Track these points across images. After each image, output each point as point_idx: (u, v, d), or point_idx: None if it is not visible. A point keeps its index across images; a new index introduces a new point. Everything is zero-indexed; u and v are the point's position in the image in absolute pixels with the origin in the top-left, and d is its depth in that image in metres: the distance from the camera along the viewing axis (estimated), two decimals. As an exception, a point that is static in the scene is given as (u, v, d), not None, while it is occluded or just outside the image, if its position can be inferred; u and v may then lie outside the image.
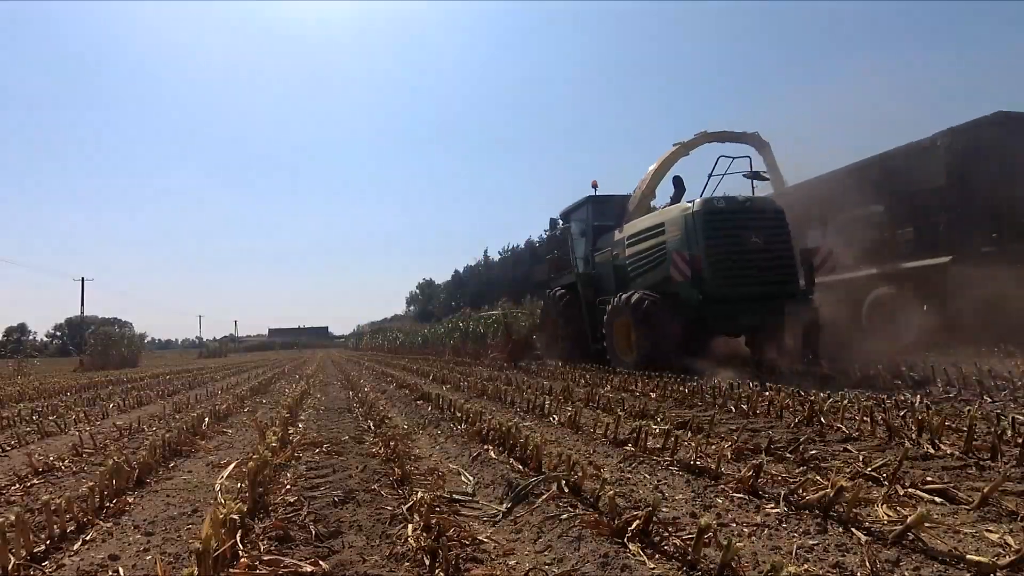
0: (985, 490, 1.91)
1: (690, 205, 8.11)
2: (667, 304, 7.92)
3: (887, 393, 4.50)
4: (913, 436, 2.90)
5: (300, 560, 1.75)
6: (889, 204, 9.39)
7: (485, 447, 3.31)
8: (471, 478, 2.77)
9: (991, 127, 8.28)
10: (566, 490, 2.33)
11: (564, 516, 2.07)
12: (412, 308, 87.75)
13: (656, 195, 10.67)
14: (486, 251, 76.03)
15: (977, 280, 7.66)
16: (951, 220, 8.57)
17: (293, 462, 3.25)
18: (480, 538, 1.90)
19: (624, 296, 8.52)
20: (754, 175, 8.78)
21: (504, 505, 2.29)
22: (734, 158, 8.69)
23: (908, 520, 1.66)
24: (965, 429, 2.65)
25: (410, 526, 1.99)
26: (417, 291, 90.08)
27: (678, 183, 9.79)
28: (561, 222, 12.39)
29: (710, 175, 8.75)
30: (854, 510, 1.85)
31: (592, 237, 10.90)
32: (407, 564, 1.76)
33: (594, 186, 11.03)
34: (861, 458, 2.60)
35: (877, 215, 9.57)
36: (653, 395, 5.31)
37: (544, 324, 12.38)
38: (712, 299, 7.67)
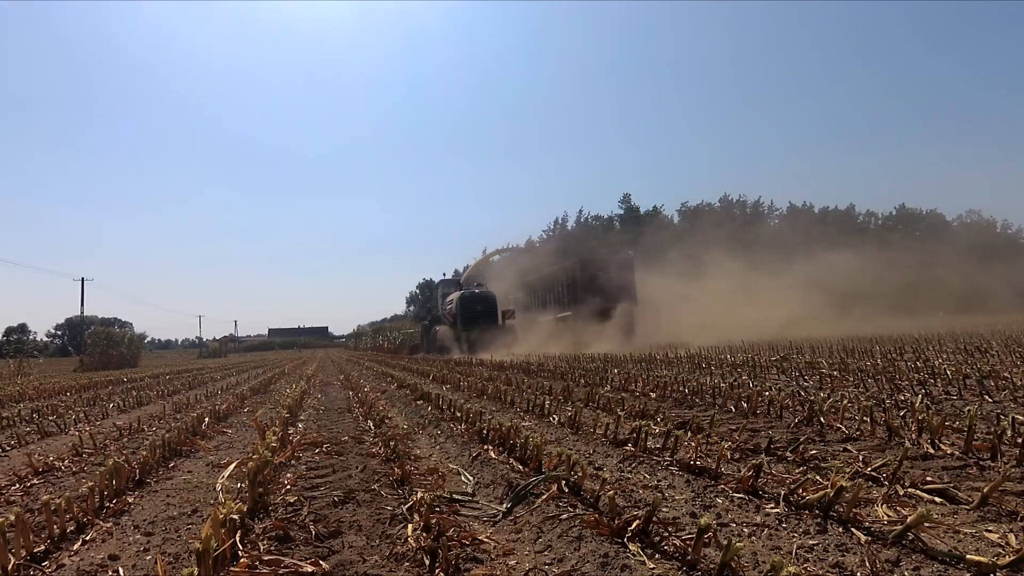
0: (985, 490, 1.91)
1: (460, 292, 23.25)
2: (448, 331, 23.43)
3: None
4: (913, 436, 2.90)
5: (300, 560, 1.75)
6: (564, 288, 23.09)
7: (485, 447, 3.31)
8: (471, 478, 2.77)
9: (582, 261, 22.93)
10: (566, 490, 2.32)
11: (564, 516, 2.07)
12: (412, 308, 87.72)
13: (477, 279, 27.11)
14: (484, 251, 76.22)
15: (581, 323, 20.61)
16: (571, 298, 22.27)
17: (293, 462, 3.26)
18: (480, 538, 1.90)
19: (436, 327, 25.10)
20: (478, 285, 24.59)
21: (504, 505, 2.29)
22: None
23: (908, 520, 1.66)
24: (965, 429, 2.65)
25: (410, 526, 1.99)
26: (417, 291, 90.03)
27: (460, 284, 25.45)
28: (435, 284, 28.19)
29: (464, 281, 27.59)
30: (854, 510, 1.84)
31: (442, 297, 25.92)
32: (407, 564, 1.76)
33: (444, 274, 30.28)
34: (861, 458, 2.60)
35: (559, 292, 23.63)
36: (653, 395, 5.31)
37: (423, 337, 28.52)
38: (461, 329, 22.17)
